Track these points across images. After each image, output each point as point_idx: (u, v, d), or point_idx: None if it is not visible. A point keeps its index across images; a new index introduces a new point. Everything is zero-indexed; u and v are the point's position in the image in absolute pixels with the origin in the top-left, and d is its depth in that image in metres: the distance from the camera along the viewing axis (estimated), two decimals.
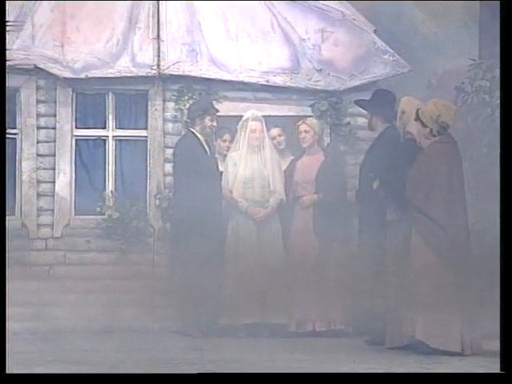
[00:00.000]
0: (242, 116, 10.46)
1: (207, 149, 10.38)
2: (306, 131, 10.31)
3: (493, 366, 8.04)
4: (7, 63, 10.78)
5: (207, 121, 10.33)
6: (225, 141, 10.57)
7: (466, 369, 7.91)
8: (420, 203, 8.78)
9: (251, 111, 10.44)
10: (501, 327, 6.70)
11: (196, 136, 10.35)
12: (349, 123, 10.68)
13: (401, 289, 8.88)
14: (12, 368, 7.88)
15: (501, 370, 6.37)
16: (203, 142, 10.36)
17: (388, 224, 9.22)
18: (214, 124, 10.40)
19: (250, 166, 10.30)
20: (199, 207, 10.04)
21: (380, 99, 9.86)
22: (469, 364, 8.20)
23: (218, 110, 10.45)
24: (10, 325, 10.43)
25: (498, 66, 10.57)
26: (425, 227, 8.76)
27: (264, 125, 10.33)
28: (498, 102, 10.37)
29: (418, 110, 9.00)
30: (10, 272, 10.63)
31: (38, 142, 10.88)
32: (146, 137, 10.90)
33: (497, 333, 8.79)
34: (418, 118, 8.96)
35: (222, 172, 10.41)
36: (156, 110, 10.88)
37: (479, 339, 8.82)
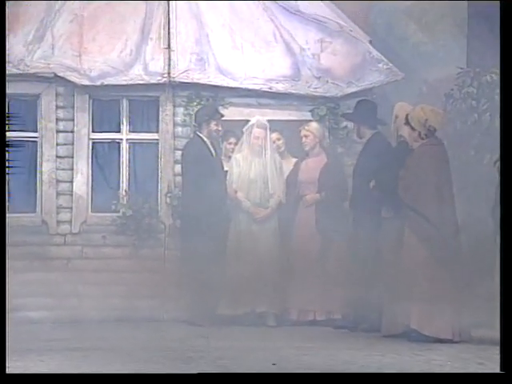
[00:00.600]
0: (246, 120, 10.45)
1: (213, 151, 10.37)
2: (305, 136, 10.31)
3: (479, 352, 8.12)
4: (29, 71, 10.92)
5: (213, 125, 10.34)
6: (230, 143, 10.58)
7: (455, 354, 7.96)
8: (412, 202, 8.80)
9: (256, 117, 10.42)
10: (501, 327, 6.45)
11: (202, 139, 10.35)
12: (346, 127, 10.67)
13: (395, 281, 8.88)
14: (33, 354, 7.95)
15: (501, 369, 6.08)
16: (209, 144, 10.36)
17: (382, 221, 9.25)
18: (219, 128, 10.40)
19: (252, 168, 10.28)
20: (205, 205, 10.06)
21: (362, 109, 9.92)
22: (457, 350, 8.24)
23: (222, 115, 10.45)
24: (31, 314, 10.57)
25: (484, 73, 10.65)
26: (417, 224, 8.78)
27: (268, 131, 10.31)
28: (485, 107, 10.43)
29: (407, 115, 9.03)
30: (31, 265, 10.77)
31: (57, 144, 10.90)
32: (157, 140, 10.92)
33: (483, 321, 8.84)
34: (407, 122, 9.00)
35: (226, 171, 10.38)
36: (167, 114, 10.90)
37: (467, 327, 8.83)
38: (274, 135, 10.53)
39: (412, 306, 8.72)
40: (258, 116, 10.46)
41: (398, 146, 9.33)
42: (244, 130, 10.34)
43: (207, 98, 10.84)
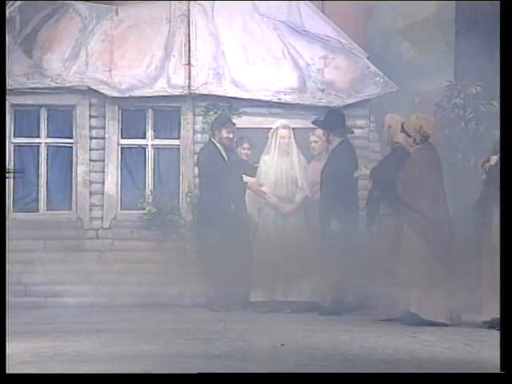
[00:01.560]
0: (259, 128, 10.45)
1: (225, 156, 10.32)
2: (315, 141, 10.28)
3: (468, 334, 8.12)
4: (66, 85, 10.93)
5: (224, 133, 10.30)
6: (244, 148, 10.54)
7: (444, 336, 7.96)
8: (410, 200, 8.82)
9: (280, 121, 10.35)
10: (501, 327, 6.10)
11: (215, 145, 10.35)
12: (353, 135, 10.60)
13: (394, 271, 8.89)
14: (69, 335, 7.96)
15: (501, 370, 5.64)
16: (221, 150, 10.32)
17: (380, 217, 9.27)
18: (231, 136, 10.34)
19: (279, 167, 10.17)
20: (218, 203, 10.04)
21: (332, 118, 9.92)
22: (447, 333, 8.24)
23: (234, 124, 10.41)
24: (68, 300, 10.61)
25: (470, 86, 10.65)
26: (414, 220, 8.79)
27: (292, 132, 10.23)
28: (471, 116, 10.45)
29: (402, 124, 9.05)
30: (67, 257, 10.79)
31: (90, 149, 10.92)
32: (178, 145, 10.93)
33: (472, 306, 8.80)
34: (403, 130, 9.02)
35: (256, 170, 10.31)
36: (187, 123, 10.91)
37: (458, 312, 8.83)
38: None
39: (412, 292, 8.71)
40: (282, 120, 10.39)
41: (394, 150, 9.36)
42: (270, 133, 10.26)
43: (223, 108, 10.84)
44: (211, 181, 10.20)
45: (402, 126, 9.02)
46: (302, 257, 9.93)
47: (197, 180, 10.71)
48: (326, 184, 9.72)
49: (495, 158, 8.59)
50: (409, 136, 8.97)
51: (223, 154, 10.34)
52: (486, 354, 7.00)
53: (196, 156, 10.71)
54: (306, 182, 10.14)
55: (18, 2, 11.00)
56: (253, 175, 10.38)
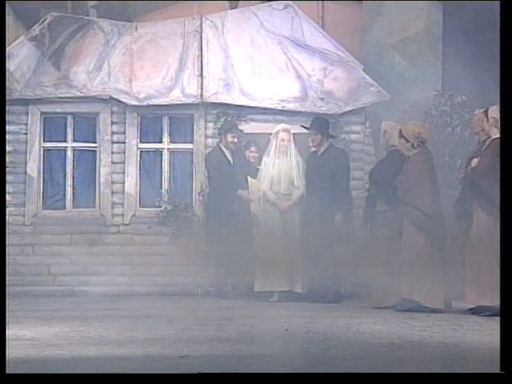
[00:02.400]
0: (265, 133, 10.42)
1: (230, 159, 10.30)
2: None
3: (454, 320, 8.11)
4: (90, 94, 10.93)
5: (229, 137, 10.28)
6: (252, 151, 10.53)
7: (433, 322, 7.94)
8: (411, 199, 8.82)
9: (281, 124, 10.29)
10: (501, 327, 5.66)
11: (221, 149, 10.33)
12: (344, 138, 10.65)
13: (392, 261, 8.88)
14: (93, 321, 7.92)
15: (501, 369, 5.19)
16: (227, 153, 10.31)
17: (377, 213, 9.26)
18: (235, 140, 10.31)
19: (278, 167, 10.07)
20: (224, 201, 10.06)
21: (317, 123, 9.88)
22: (435, 319, 8.21)
23: (240, 130, 10.42)
24: (92, 289, 10.60)
25: (456, 96, 10.66)
26: (415, 216, 8.79)
27: (291, 135, 10.15)
28: (457, 122, 10.47)
29: (400, 130, 9.05)
30: (91, 250, 10.79)
31: (112, 152, 10.91)
32: (192, 149, 10.92)
33: (462, 294, 8.76)
34: (401, 136, 9.02)
35: (258, 170, 10.26)
36: (199, 128, 10.91)
37: (450, 299, 8.82)
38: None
39: (412, 280, 8.69)
40: (283, 124, 10.34)
41: (390, 153, 9.37)
42: (271, 136, 10.20)
43: (232, 116, 10.83)
44: (217, 181, 10.21)
45: (401, 131, 9.03)
46: (299, 250, 9.90)
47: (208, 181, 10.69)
48: (316, 183, 9.67)
49: (475, 161, 8.62)
50: (407, 141, 8.97)
51: (228, 157, 10.32)
52: (469, 337, 7.03)
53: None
54: (301, 182, 10.04)
55: (48, 20, 11.02)
56: (256, 176, 10.34)
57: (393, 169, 9.10)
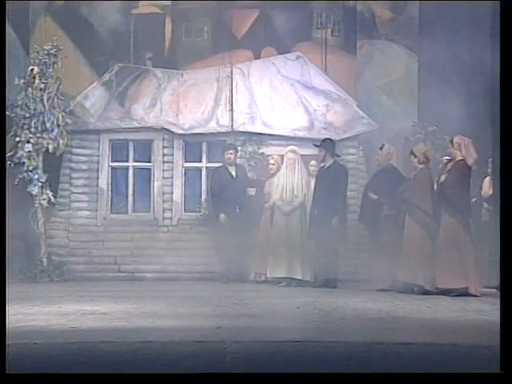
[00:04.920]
0: (280, 154, 10.31)
1: (233, 173, 10.17)
2: (311, 165, 10.15)
3: (430, 299, 7.94)
4: (146, 125, 10.98)
5: (225, 155, 10.20)
6: (271, 168, 10.40)
7: (410, 301, 7.78)
8: (417, 202, 8.66)
9: (290, 147, 10.15)
10: (501, 327, 4.75)
11: (225, 166, 10.21)
12: (342, 159, 10.49)
13: (395, 252, 8.71)
14: (148, 299, 7.81)
15: (501, 370, 4.33)
16: (230, 169, 10.17)
17: (383, 217, 9.09)
18: (230, 157, 10.15)
19: (286, 180, 9.93)
20: (228, 207, 9.94)
21: (325, 144, 9.76)
22: (414, 299, 8.07)
23: (235, 149, 10.23)
24: (147, 275, 10.55)
25: (429, 126, 10.61)
26: (419, 217, 8.63)
27: (297, 155, 9.99)
28: (430, 147, 10.33)
29: (412, 149, 9.01)
30: (147, 245, 10.73)
31: (163, 170, 10.93)
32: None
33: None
34: (412, 153, 8.94)
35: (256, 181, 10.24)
36: None
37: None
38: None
39: (418, 268, 8.46)
40: (292, 146, 10.22)
41: (387, 168, 9.26)
42: (284, 156, 10.10)
43: (255, 141, 10.82)
44: (222, 191, 10.03)
45: (412, 150, 8.97)
46: (303, 245, 9.71)
47: None
48: (321, 191, 9.53)
49: (443, 177, 8.60)
50: (415, 156, 8.86)
51: (231, 172, 10.19)
52: (440, 313, 6.92)
53: None
54: (301, 192, 9.87)
55: (115, 70, 11.08)
56: (254, 187, 10.21)
57: (391, 180, 9.03)
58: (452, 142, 8.70)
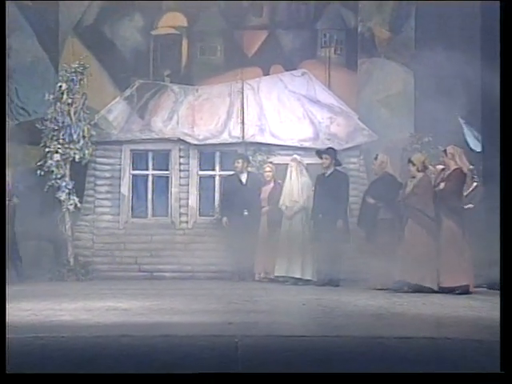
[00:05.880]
0: (287, 163, 10.25)
1: (243, 181, 10.23)
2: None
3: (425, 297, 7.92)
4: (164, 136, 10.98)
5: (235, 163, 10.28)
6: (267, 176, 10.32)
7: (408, 299, 7.75)
8: (419, 205, 8.55)
9: (293, 156, 10.18)
10: (501, 327, 4.58)
11: (236, 173, 10.26)
12: (345, 167, 10.43)
13: (392, 253, 8.61)
14: (166, 296, 7.84)
15: (501, 370, 4.12)
16: (240, 176, 10.23)
17: (379, 220, 9.01)
18: (238, 165, 10.21)
19: (290, 187, 9.91)
20: (236, 210, 9.96)
21: (328, 152, 9.74)
22: (411, 296, 8.01)
23: (244, 159, 10.26)
24: (165, 274, 10.47)
25: (425, 136, 10.58)
26: (424, 221, 8.51)
27: (302, 164, 9.99)
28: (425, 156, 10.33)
29: (410, 158, 8.87)
30: (165, 246, 10.66)
31: (180, 177, 10.87)
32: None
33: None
34: (410, 161, 8.82)
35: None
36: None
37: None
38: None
39: (421, 268, 8.35)
40: (296, 155, 10.24)
41: (384, 176, 9.22)
42: (289, 163, 10.08)
43: (264, 151, 10.78)
44: (232, 197, 10.06)
45: (411, 159, 8.85)
46: (307, 246, 9.62)
47: None
48: (324, 196, 9.45)
49: (442, 184, 8.56)
50: (414, 165, 8.76)
51: (242, 179, 10.23)
52: (435, 310, 6.90)
53: None
54: (302, 198, 9.81)
55: (136, 85, 11.12)
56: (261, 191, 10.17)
57: (387, 187, 8.99)
58: (445, 151, 8.67)
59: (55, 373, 3.91)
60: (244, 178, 10.30)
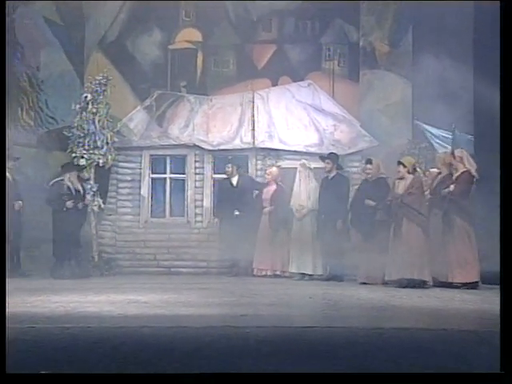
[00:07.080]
0: (295, 168, 10.28)
1: (234, 183, 10.19)
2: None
3: (420, 291, 7.89)
4: (181, 143, 11.01)
5: (226, 168, 10.27)
6: (267, 178, 10.30)
7: (406, 292, 7.70)
8: (415, 205, 8.48)
9: (301, 161, 10.10)
10: (501, 327, 4.13)
11: (227, 177, 10.25)
12: (348, 171, 10.45)
13: (390, 249, 8.51)
14: (182, 290, 7.79)
15: (501, 370, 3.79)
16: (232, 179, 10.22)
17: (376, 222, 8.90)
18: (228, 169, 10.20)
19: (299, 190, 9.88)
20: (228, 210, 9.95)
21: (331, 156, 9.72)
22: (408, 290, 7.98)
23: (234, 165, 10.23)
24: (181, 270, 10.52)
25: (422, 143, 10.58)
26: (415, 216, 8.44)
27: (307, 169, 9.94)
28: (421, 160, 10.32)
29: (400, 160, 8.75)
30: (182, 244, 10.71)
31: (195, 181, 10.90)
32: None
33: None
34: (400, 163, 8.69)
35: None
36: (252, 164, 10.89)
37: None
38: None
39: (417, 261, 8.30)
40: (303, 160, 10.19)
41: (379, 179, 9.15)
42: (297, 168, 10.06)
43: (273, 156, 10.78)
44: (223, 198, 10.06)
45: (401, 161, 8.72)
46: (314, 245, 9.60)
47: None
48: (327, 197, 9.41)
49: (452, 187, 8.37)
50: (404, 167, 8.65)
51: (233, 182, 10.22)
52: (431, 303, 6.88)
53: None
54: (309, 201, 9.75)
55: (155, 96, 11.18)
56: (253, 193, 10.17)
57: (381, 190, 8.90)
58: (453, 155, 8.46)
59: (55, 373, 3.72)
60: (235, 181, 10.31)
